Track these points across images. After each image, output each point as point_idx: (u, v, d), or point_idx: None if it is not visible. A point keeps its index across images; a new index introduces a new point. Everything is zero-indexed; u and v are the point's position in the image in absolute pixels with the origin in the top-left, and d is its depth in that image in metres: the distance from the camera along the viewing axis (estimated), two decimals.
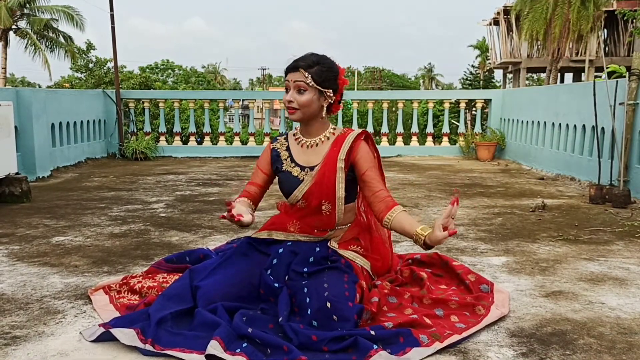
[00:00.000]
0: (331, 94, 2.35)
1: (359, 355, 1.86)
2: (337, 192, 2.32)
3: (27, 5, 25.33)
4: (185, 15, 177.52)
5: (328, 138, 2.39)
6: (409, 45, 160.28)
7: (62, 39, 26.10)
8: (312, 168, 2.36)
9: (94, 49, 28.33)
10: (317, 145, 2.39)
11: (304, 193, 2.34)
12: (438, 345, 1.97)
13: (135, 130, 9.15)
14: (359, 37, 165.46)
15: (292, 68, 2.32)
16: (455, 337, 2.04)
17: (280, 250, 2.34)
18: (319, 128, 2.40)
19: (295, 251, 2.33)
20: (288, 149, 2.45)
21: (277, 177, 2.49)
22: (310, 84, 2.29)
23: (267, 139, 9.22)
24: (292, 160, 2.41)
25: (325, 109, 2.36)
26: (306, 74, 2.28)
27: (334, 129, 2.43)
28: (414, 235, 2.15)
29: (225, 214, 2.13)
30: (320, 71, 2.31)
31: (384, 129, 9.51)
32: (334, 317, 2.00)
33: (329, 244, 2.37)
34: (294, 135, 2.48)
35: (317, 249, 2.33)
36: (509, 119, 8.63)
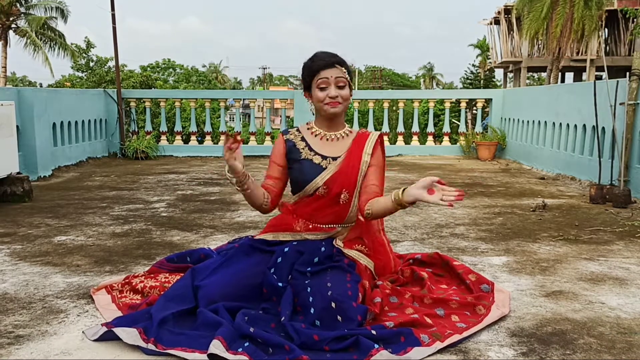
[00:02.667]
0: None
1: (360, 354, 1.87)
2: (358, 182, 2.40)
3: (23, 3, 25.41)
4: (182, 15, 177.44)
5: (347, 135, 2.49)
6: (409, 45, 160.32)
7: (62, 39, 26.14)
8: (334, 158, 2.42)
9: (93, 47, 28.33)
10: (337, 139, 2.47)
11: (326, 180, 2.39)
12: (439, 345, 1.98)
13: (136, 130, 9.15)
14: (358, 36, 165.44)
15: (328, 65, 2.38)
16: (456, 337, 2.05)
17: (286, 250, 2.36)
18: (339, 123, 2.49)
19: (300, 251, 2.35)
20: (304, 139, 2.49)
21: (290, 170, 2.50)
22: (348, 79, 2.41)
23: (268, 138, 9.22)
24: (311, 150, 2.45)
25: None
26: (344, 70, 2.39)
27: (350, 127, 2.53)
28: (391, 198, 2.20)
29: (228, 138, 2.26)
30: (349, 68, 2.44)
31: (385, 128, 9.51)
32: (339, 317, 2.02)
33: (334, 242, 2.39)
34: (308, 129, 2.51)
35: (323, 248, 2.35)
36: (509, 119, 8.63)
